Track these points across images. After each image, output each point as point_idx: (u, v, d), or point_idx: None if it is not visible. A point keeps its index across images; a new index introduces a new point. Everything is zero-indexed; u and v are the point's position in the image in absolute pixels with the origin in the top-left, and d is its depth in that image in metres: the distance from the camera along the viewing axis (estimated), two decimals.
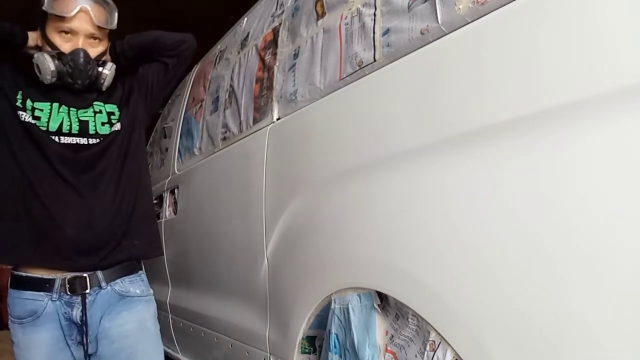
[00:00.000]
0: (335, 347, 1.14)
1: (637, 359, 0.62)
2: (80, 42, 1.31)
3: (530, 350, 0.74)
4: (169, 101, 3.01)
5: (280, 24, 1.62)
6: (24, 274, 1.31)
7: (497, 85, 0.83)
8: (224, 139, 1.96)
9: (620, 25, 0.69)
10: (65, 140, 1.33)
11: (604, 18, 0.70)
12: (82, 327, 1.30)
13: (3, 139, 1.32)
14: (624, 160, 0.65)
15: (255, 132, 1.67)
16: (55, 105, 1.34)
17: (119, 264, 1.35)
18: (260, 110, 1.66)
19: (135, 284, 1.38)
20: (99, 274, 1.32)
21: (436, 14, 0.96)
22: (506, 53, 0.83)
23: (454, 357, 0.86)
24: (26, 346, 1.29)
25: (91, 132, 1.35)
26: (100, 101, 1.40)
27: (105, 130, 1.38)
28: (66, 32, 1.31)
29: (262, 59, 1.71)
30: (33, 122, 1.31)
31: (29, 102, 1.32)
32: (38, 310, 1.28)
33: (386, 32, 1.10)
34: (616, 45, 0.69)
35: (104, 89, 1.39)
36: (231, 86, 1.94)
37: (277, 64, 1.57)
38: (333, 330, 1.14)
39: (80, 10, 1.29)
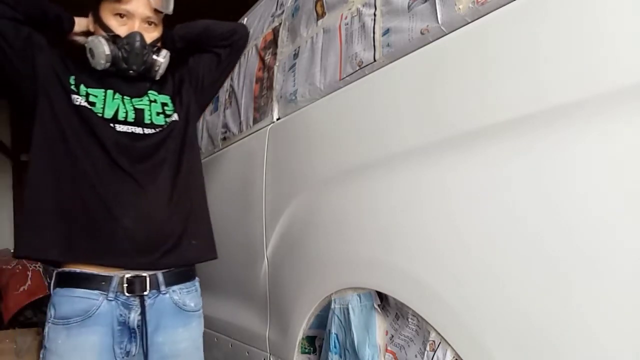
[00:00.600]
0: (335, 347, 1.14)
1: (637, 359, 0.62)
2: (137, 26, 1.23)
3: (530, 350, 0.74)
4: None
5: (280, 24, 1.62)
6: (77, 270, 1.16)
7: (497, 85, 0.83)
8: (224, 139, 1.96)
9: (621, 25, 0.68)
10: (121, 128, 1.23)
11: (604, 18, 0.70)
12: (135, 334, 1.16)
13: (55, 126, 1.20)
14: (625, 160, 0.65)
15: (255, 132, 1.67)
16: (110, 92, 1.25)
17: (177, 267, 1.24)
18: (260, 110, 1.66)
19: (191, 295, 1.27)
20: (159, 275, 1.20)
21: (436, 14, 0.96)
22: (506, 53, 0.83)
23: (454, 357, 0.86)
24: (67, 351, 1.13)
25: (146, 121, 1.26)
26: (154, 90, 1.32)
27: (160, 120, 1.28)
28: (122, 15, 1.23)
29: (262, 59, 1.71)
30: (88, 107, 1.21)
31: (82, 87, 1.23)
32: (91, 309, 1.13)
33: (386, 32, 1.10)
34: (616, 45, 0.69)
35: (157, 77, 1.30)
36: (231, 86, 1.94)
37: (277, 64, 1.57)
38: (333, 330, 1.14)
39: None
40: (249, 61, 1.82)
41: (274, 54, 1.61)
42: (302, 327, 1.29)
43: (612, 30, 0.69)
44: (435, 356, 0.89)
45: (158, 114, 1.29)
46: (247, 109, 1.76)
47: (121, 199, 1.18)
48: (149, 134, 1.26)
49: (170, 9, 1.28)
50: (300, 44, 1.44)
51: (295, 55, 1.46)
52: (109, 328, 1.14)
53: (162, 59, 1.27)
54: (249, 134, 1.72)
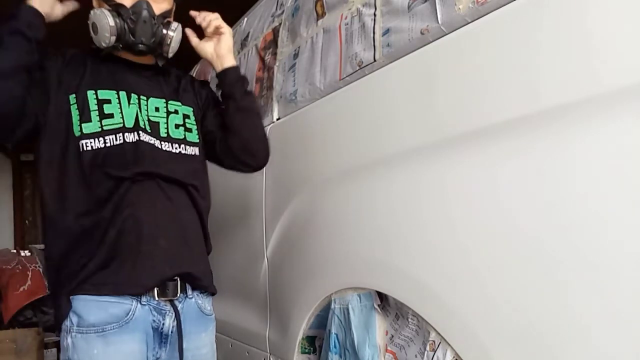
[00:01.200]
0: (335, 347, 1.14)
1: (637, 359, 0.62)
2: None
3: (530, 350, 0.74)
4: None
5: (280, 24, 1.62)
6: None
7: (496, 86, 0.83)
8: None
9: (620, 25, 0.68)
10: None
11: (603, 18, 0.70)
12: (166, 339, 1.09)
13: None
14: (623, 161, 0.65)
15: None
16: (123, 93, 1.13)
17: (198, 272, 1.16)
18: (260, 110, 1.66)
19: (207, 299, 1.19)
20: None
21: (436, 14, 0.96)
22: (506, 53, 0.83)
23: (454, 357, 0.86)
24: None
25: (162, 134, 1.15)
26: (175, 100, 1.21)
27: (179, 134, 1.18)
28: None
29: (262, 59, 1.71)
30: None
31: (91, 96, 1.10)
32: (127, 314, 1.04)
33: (386, 32, 1.10)
34: (616, 45, 0.69)
35: (170, 54, 1.16)
36: None
37: (277, 64, 1.57)
38: (333, 330, 1.14)
39: None
40: (249, 61, 1.82)
41: (274, 54, 1.61)
42: (302, 327, 1.29)
43: (612, 30, 0.69)
44: (435, 356, 0.89)
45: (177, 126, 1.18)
46: None
47: (156, 216, 1.12)
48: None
49: None
50: (300, 44, 1.44)
51: (295, 55, 1.46)
52: (144, 335, 1.06)
53: (173, 32, 1.14)
54: None
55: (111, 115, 1.09)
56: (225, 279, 1.84)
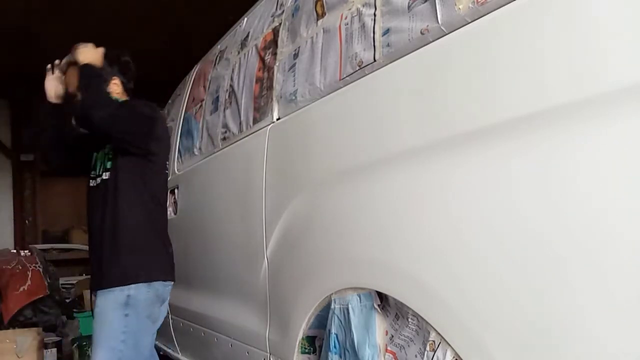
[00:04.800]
0: (335, 347, 1.14)
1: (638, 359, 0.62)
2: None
3: (530, 350, 0.74)
4: (170, 101, 3.02)
5: (280, 24, 1.62)
6: None
7: (497, 85, 0.83)
8: (224, 139, 1.96)
9: (621, 24, 0.68)
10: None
11: (604, 17, 0.70)
12: None
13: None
14: (628, 160, 0.65)
15: (255, 132, 1.67)
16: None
17: None
18: (260, 110, 1.66)
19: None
20: None
21: (436, 14, 0.96)
22: (506, 53, 0.83)
23: (454, 357, 0.86)
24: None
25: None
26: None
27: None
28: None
29: (262, 59, 1.71)
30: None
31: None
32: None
33: (386, 32, 1.10)
34: (617, 45, 0.69)
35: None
36: (231, 86, 1.94)
37: (277, 64, 1.57)
38: (333, 330, 1.14)
39: None
40: (249, 61, 1.82)
41: (274, 54, 1.61)
42: (302, 327, 1.29)
43: (613, 30, 0.69)
44: (435, 356, 0.89)
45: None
46: (247, 109, 1.76)
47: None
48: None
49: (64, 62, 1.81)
50: (300, 44, 1.44)
51: (295, 55, 1.46)
52: None
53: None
54: (249, 134, 1.72)
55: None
56: (226, 279, 1.84)
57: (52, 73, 1.78)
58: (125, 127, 1.62)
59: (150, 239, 1.69)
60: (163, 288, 1.68)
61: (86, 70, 1.65)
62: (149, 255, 1.67)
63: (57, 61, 1.78)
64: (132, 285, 1.60)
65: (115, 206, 1.65)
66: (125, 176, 1.66)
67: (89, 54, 1.69)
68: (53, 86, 1.77)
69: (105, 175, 1.69)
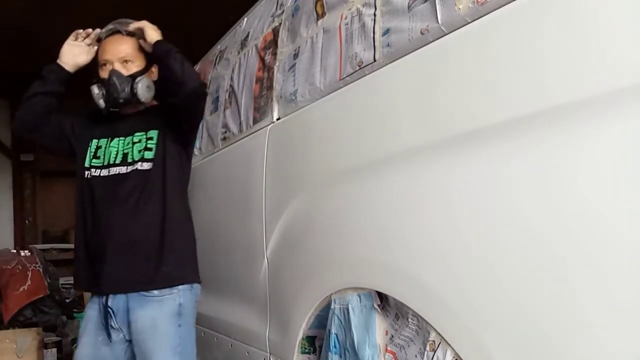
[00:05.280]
0: (335, 347, 1.14)
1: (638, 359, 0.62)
2: (114, 67, 1.53)
3: (530, 350, 0.74)
4: None
5: (280, 24, 1.62)
6: None
7: (497, 85, 0.84)
8: (224, 139, 1.96)
9: (621, 24, 0.68)
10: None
11: (604, 17, 0.70)
12: None
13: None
14: (629, 161, 0.65)
15: (255, 132, 1.67)
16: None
17: None
18: (260, 110, 1.66)
19: None
20: None
21: (436, 14, 0.96)
22: (506, 53, 0.83)
23: (454, 357, 0.86)
24: None
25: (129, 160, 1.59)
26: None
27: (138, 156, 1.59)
28: (104, 64, 1.55)
29: (262, 59, 1.71)
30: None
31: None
32: None
33: (386, 32, 1.10)
34: (617, 45, 0.69)
35: (143, 99, 1.54)
36: (231, 86, 1.94)
37: (277, 64, 1.57)
38: (333, 330, 1.14)
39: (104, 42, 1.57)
40: (249, 61, 1.82)
41: (274, 54, 1.61)
42: (302, 327, 1.29)
43: (613, 30, 0.69)
44: (435, 356, 0.89)
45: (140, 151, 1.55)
46: (247, 109, 1.76)
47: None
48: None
49: (134, 27, 1.56)
50: (300, 44, 1.44)
51: (295, 55, 1.46)
52: None
53: (140, 83, 1.52)
54: (249, 134, 1.72)
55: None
56: (226, 279, 1.84)
57: (79, 39, 1.59)
58: (204, 105, 1.60)
59: (191, 236, 1.59)
60: (199, 290, 1.58)
61: (169, 45, 1.51)
62: (192, 254, 1.58)
63: (93, 30, 1.59)
64: (180, 291, 1.49)
65: (164, 199, 1.52)
66: (172, 167, 1.55)
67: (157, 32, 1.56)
68: (75, 53, 1.58)
69: (142, 166, 1.51)
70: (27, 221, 6.81)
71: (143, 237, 1.49)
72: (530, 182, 0.75)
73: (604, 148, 0.68)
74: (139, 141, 1.55)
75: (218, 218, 1.91)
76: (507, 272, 0.77)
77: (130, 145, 1.55)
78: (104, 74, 1.54)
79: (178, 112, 1.52)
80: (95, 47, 1.60)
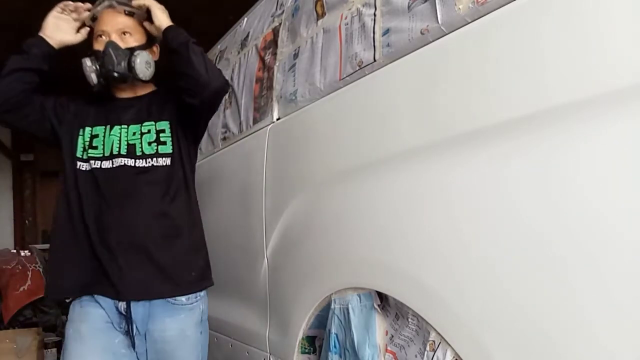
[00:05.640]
0: (335, 347, 1.14)
1: None
2: (111, 38, 1.38)
3: (530, 350, 0.74)
4: None
5: (280, 24, 1.62)
6: None
7: (497, 85, 0.83)
8: (224, 139, 1.96)
9: (621, 24, 0.68)
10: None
11: (604, 17, 0.70)
12: None
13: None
14: (629, 161, 0.65)
15: (255, 132, 1.67)
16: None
17: None
18: (260, 110, 1.66)
19: None
20: None
21: (436, 14, 0.96)
22: (506, 53, 0.83)
23: (454, 357, 0.86)
24: None
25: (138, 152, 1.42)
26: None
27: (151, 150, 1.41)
28: (101, 36, 1.39)
29: (262, 59, 1.71)
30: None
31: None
32: None
33: (386, 32, 1.10)
34: (617, 45, 0.69)
35: (142, 76, 1.38)
36: (231, 86, 1.94)
37: (277, 64, 1.57)
38: (333, 330, 1.14)
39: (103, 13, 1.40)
40: (249, 61, 1.82)
41: (274, 54, 1.61)
42: (302, 327, 1.29)
43: (613, 30, 0.69)
44: (435, 356, 0.89)
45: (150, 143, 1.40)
46: (247, 109, 1.76)
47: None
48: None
49: (137, 4, 1.39)
50: (300, 44, 1.44)
51: (295, 55, 1.46)
52: None
53: (139, 57, 1.37)
54: (249, 134, 1.72)
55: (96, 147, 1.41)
56: (226, 279, 1.84)
57: (64, 13, 1.40)
58: (225, 89, 1.39)
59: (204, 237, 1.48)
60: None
61: (184, 33, 1.36)
62: (207, 255, 1.46)
63: (84, 4, 1.41)
64: (203, 297, 1.39)
65: (189, 199, 1.41)
66: (188, 163, 1.44)
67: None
68: (61, 27, 1.39)
69: (159, 161, 1.37)
70: (27, 221, 6.81)
71: (173, 239, 1.36)
72: (530, 182, 0.75)
73: (604, 148, 0.68)
74: (148, 132, 1.39)
75: (218, 218, 1.91)
76: (507, 272, 0.77)
77: (137, 136, 1.39)
78: (99, 45, 1.38)
79: (198, 112, 1.39)
80: (87, 30, 1.42)
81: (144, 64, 1.38)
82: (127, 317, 1.32)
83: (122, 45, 1.37)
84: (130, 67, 1.36)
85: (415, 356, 0.96)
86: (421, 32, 1.00)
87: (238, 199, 1.73)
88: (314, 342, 1.31)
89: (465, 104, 0.88)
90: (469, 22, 0.90)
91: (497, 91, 0.83)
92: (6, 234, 6.53)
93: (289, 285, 1.38)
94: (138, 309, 1.33)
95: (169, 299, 1.34)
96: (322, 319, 1.23)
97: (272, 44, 1.65)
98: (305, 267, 1.30)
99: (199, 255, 1.42)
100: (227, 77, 1.99)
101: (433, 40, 0.98)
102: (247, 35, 1.92)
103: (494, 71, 0.84)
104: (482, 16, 0.88)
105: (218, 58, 2.24)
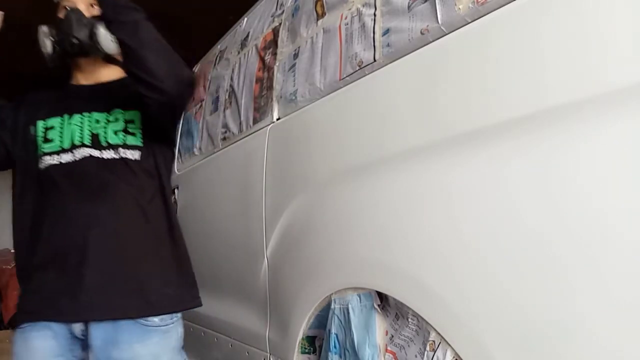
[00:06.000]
0: (335, 347, 1.14)
1: None
2: (77, 6, 1.21)
3: (531, 350, 0.74)
4: None
5: (280, 24, 1.62)
6: None
7: (497, 85, 0.83)
8: (224, 139, 1.96)
9: (621, 24, 0.68)
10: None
11: (605, 17, 0.70)
12: None
13: None
14: (629, 161, 0.65)
15: (255, 132, 1.67)
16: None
17: None
18: (260, 110, 1.66)
19: None
20: None
21: (436, 14, 0.96)
22: (506, 53, 0.83)
23: (454, 357, 0.86)
24: None
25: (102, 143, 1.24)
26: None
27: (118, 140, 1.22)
28: (66, 8, 1.22)
29: (262, 59, 1.71)
30: None
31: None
32: None
33: (386, 32, 1.10)
34: (618, 45, 0.69)
35: (105, 49, 1.18)
36: (231, 86, 1.94)
37: (277, 64, 1.57)
38: (333, 330, 1.14)
39: None
40: (249, 61, 1.82)
41: (274, 54, 1.61)
42: (302, 327, 1.29)
43: (614, 30, 0.69)
44: (435, 356, 0.89)
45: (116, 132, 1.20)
46: (247, 109, 1.76)
47: None
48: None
49: None
50: (300, 44, 1.44)
51: (295, 55, 1.46)
52: None
53: (103, 27, 1.16)
54: (249, 134, 1.72)
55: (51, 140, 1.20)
56: (226, 279, 1.84)
57: None
58: (190, 92, 1.21)
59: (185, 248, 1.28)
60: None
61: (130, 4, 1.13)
62: (191, 271, 1.28)
63: None
64: (177, 318, 1.19)
65: (167, 206, 1.23)
66: (165, 165, 1.25)
67: None
68: None
69: (127, 154, 1.18)
70: None
71: (148, 246, 1.17)
72: (530, 182, 0.75)
73: (604, 148, 0.68)
74: (116, 120, 1.20)
75: (218, 218, 1.91)
76: (507, 272, 0.77)
77: (102, 124, 1.19)
78: (61, 14, 1.22)
79: (160, 115, 1.18)
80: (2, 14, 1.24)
81: (109, 36, 1.15)
82: (84, 341, 1.11)
83: (87, 15, 1.20)
84: (92, 34, 1.16)
85: (415, 356, 0.96)
86: (421, 32, 1.00)
87: (238, 199, 1.73)
88: (314, 342, 1.31)
89: (466, 104, 0.88)
90: (469, 22, 0.90)
91: (497, 91, 0.83)
92: (6, 234, 6.51)
93: (289, 285, 1.38)
94: (98, 332, 1.10)
95: (139, 319, 1.11)
96: (322, 319, 1.23)
97: (272, 44, 1.65)
98: (305, 267, 1.30)
99: (181, 270, 1.23)
100: (227, 77, 1.99)
101: (433, 40, 0.98)
102: (247, 35, 1.92)
103: (494, 71, 0.84)
104: (482, 16, 0.88)
105: (218, 58, 2.24)
